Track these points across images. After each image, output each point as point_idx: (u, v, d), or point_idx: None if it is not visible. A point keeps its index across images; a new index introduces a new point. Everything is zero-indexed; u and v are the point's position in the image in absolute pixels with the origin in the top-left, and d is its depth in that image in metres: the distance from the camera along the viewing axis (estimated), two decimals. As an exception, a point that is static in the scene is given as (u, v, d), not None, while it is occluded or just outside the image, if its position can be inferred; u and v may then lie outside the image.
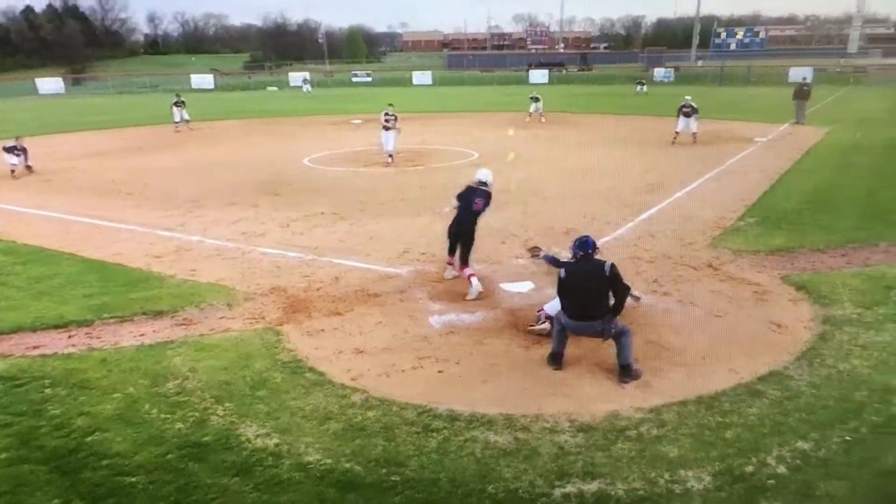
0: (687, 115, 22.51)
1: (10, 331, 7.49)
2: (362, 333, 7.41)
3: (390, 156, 19.43)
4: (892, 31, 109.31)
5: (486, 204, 8.89)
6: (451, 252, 9.06)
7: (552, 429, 5.40)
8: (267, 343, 7.13)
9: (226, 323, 7.73)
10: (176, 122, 30.21)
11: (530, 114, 30.99)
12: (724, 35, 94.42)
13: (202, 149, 24.06)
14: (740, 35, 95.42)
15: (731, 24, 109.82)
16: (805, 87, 28.12)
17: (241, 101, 49.09)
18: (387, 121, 19.16)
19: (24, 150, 18.80)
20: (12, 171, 18.33)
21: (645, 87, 49.72)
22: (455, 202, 8.96)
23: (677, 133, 22.62)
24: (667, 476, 4.76)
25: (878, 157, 18.61)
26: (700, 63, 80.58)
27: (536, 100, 31.17)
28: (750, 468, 4.83)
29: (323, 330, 7.51)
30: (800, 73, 54.73)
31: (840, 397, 5.83)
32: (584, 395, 5.98)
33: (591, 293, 6.29)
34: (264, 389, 6.10)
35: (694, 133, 22.59)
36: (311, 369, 6.51)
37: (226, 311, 8.09)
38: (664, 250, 10.40)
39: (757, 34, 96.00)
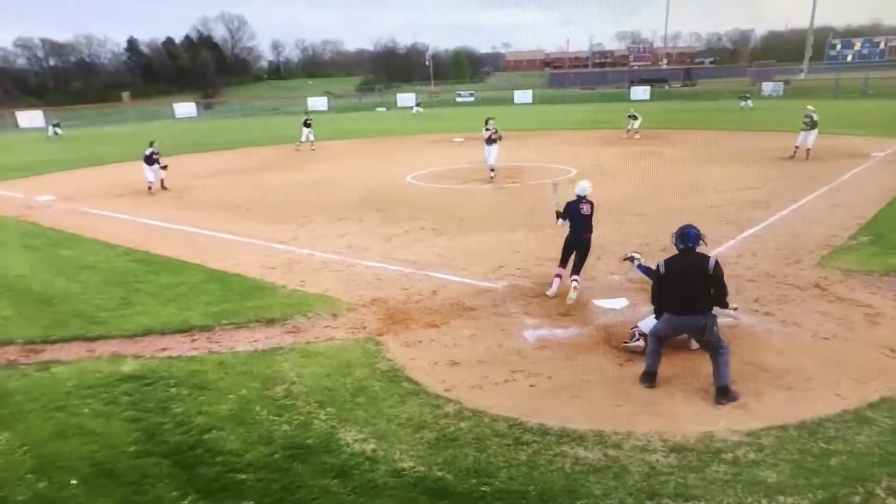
0: (806, 127, 21.07)
1: (143, 333, 8.13)
2: (457, 346, 7.49)
3: (492, 170, 19.54)
4: None
5: (592, 210, 9.14)
6: (563, 264, 9.19)
7: (643, 447, 5.23)
8: (367, 352, 7.34)
9: (330, 332, 8.03)
10: (301, 142, 31.68)
11: (627, 130, 30.28)
12: (839, 46, 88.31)
13: (315, 167, 25.18)
14: (858, 46, 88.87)
15: (850, 34, 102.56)
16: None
17: (351, 122, 51.03)
18: (490, 134, 19.29)
19: (158, 160, 19.72)
20: (149, 188, 19.85)
21: (750, 102, 46.60)
22: (560, 221, 9.17)
23: (797, 147, 21.32)
24: (764, 502, 4.49)
25: None
26: (802, 76, 75.61)
27: (634, 118, 30.42)
28: (856, 498, 4.48)
29: (420, 341, 7.65)
30: (924, 83, 50.25)
31: (959, 429, 5.29)
32: (678, 415, 5.76)
33: (693, 287, 6.04)
34: (363, 396, 6.29)
35: (808, 149, 21.13)
36: (408, 379, 6.65)
37: (330, 321, 8.41)
38: (767, 269, 9.83)
39: (877, 44, 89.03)
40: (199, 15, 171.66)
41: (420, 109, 60.27)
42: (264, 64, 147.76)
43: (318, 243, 12.69)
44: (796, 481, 4.71)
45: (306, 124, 31.99)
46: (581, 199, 9.10)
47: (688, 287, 6.08)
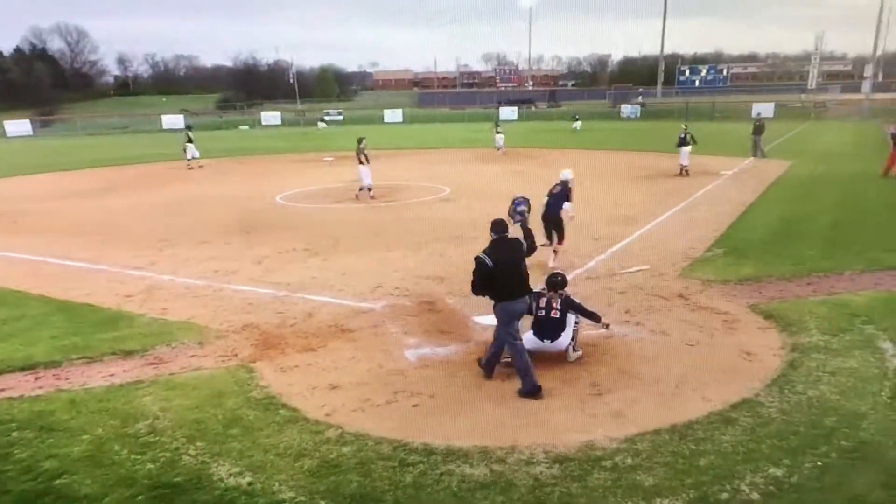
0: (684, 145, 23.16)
1: (-24, 374, 7.31)
2: (336, 369, 7.38)
3: (370, 188, 19.52)
4: (849, 67, 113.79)
5: (563, 190, 11.59)
6: (549, 237, 11.51)
7: (528, 460, 5.41)
8: (239, 380, 7.05)
9: (197, 361, 7.64)
10: (188, 159, 30.43)
11: (498, 147, 31.82)
12: (688, 73, 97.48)
13: (174, 187, 23.95)
14: (704, 73, 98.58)
15: (696, 62, 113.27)
16: (758, 123, 28.95)
17: (212, 141, 49.01)
18: (361, 154, 19.30)
19: None
20: None
21: (579, 124, 49.49)
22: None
23: (682, 166, 23.26)
24: (642, 504, 4.79)
25: (839, 189, 19.22)
26: (656, 99, 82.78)
27: (498, 132, 32.52)
28: (724, 495, 4.88)
29: (296, 366, 7.47)
30: (762, 108, 56.56)
31: (810, 423, 5.93)
32: (559, 426, 6.01)
33: (518, 271, 6.82)
34: (237, 427, 6.03)
35: (681, 165, 23.22)
36: (285, 406, 6.46)
37: (197, 350, 8.00)
38: (635, 281, 10.57)
39: (720, 71, 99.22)
40: (29, 24, 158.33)
41: (324, 125, 58.29)
42: (110, 79, 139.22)
43: (180, 268, 12.04)
44: (671, 483, 5.06)
45: (189, 139, 30.77)
46: (562, 182, 11.76)
47: (513, 272, 6.75)
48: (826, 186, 19.89)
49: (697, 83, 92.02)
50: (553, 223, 11.60)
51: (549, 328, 7.36)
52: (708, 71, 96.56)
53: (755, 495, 4.87)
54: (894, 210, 15.85)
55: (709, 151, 30.55)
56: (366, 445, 5.68)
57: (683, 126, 24.77)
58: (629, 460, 5.39)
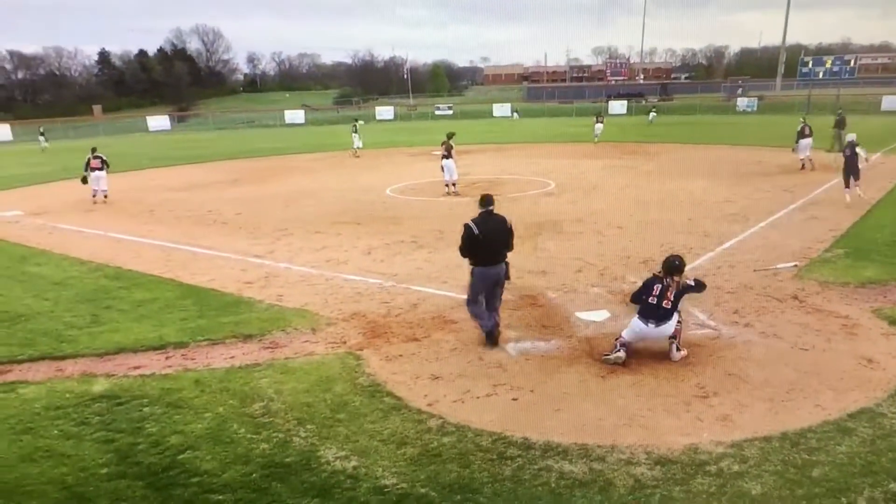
0: (807, 137, 21.89)
1: (115, 351, 7.94)
2: (439, 359, 7.45)
3: (454, 184, 19.58)
4: None
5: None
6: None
7: (628, 460, 5.23)
8: (347, 367, 7.27)
9: (309, 347, 7.94)
10: (354, 148, 33.03)
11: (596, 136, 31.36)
12: (811, 64, 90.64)
13: (292, 179, 25.03)
14: (829, 63, 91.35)
15: (820, 52, 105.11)
16: (839, 117, 26.76)
17: (329, 135, 50.90)
18: (447, 150, 19.37)
19: (104, 163, 20.23)
20: (94, 196, 20.07)
21: (653, 115, 48.53)
22: None
23: (802, 160, 22.11)
24: (749, 515, 4.51)
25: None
26: (775, 91, 77.47)
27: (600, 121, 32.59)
28: (839, 510, 4.52)
29: (401, 355, 7.60)
30: (893, 100, 51.77)
31: (938, 438, 5.38)
32: (661, 427, 5.77)
33: (499, 242, 7.74)
34: (344, 412, 6.21)
35: (801, 159, 22.04)
36: (389, 394, 6.59)
37: (309, 336, 8.32)
38: (746, 281, 9.96)
39: (848, 62, 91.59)
40: (172, 27, 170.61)
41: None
42: (240, 77, 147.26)
43: (295, 257, 12.59)
44: (780, 493, 4.74)
45: (355, 130, 33.57)
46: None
47: (496, 242, 7.66)
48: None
49: (821, 75, 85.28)
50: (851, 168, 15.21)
51: (657, 316, 7.06)
52: (833, 62, 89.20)
53: (874, 512, 4.48)
54: None
55: (832, 147, 28.37)
56: (466, 436, 5.69)
57: (802, 119, 23.09)
58: (735, 467, 5.09)
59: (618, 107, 65.90)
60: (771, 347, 7.47)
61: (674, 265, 7.17)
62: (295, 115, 72.45)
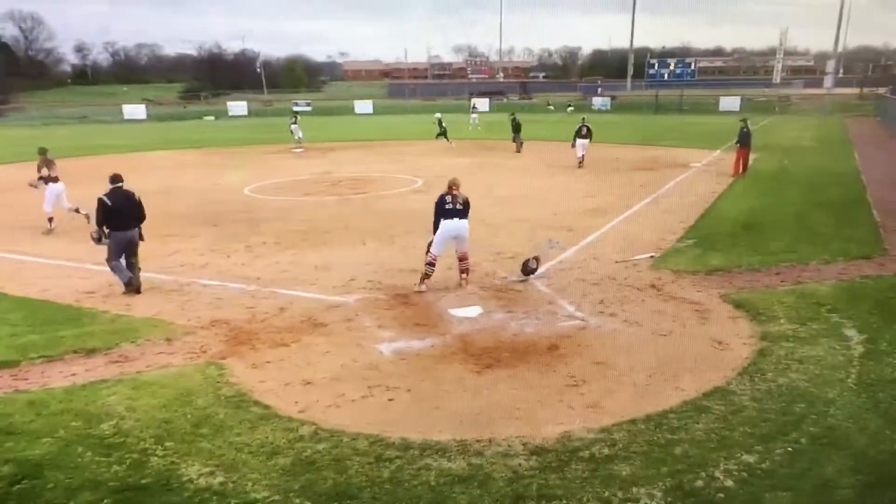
0: (583, 137, 23.56)
1: (-73, 374, 7.03)
2: (310, 364, 7.30)
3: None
4: (811, 63, 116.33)
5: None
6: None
7: (506, 453, 5.41)
8: (209, 378, 6.92)
9: (164, 358, 7.47)
10: (298, 140, 33.09)
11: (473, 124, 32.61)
12: (657, 66, 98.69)
13: (137, 179, 23.21)
14: (672, 66, 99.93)
15: (664, 55, 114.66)
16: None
17: (175, 131, 48.17)
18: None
19: None
20: None
21: (476, 118, 49.29)
22: None
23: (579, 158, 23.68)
24: (620, 495, 4.82)
25: (804, 182, 19.66)
26: (626, 92, 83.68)
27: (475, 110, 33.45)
28: (699, 483, 4.95)
29: (268, 362, 7.36)
30: (729, 102, 57.68)
31: (781, 410, 6.05)
32: (537, 418, 6.03)
33: (130, 211, 9.94)
34: (207, 426, 5.91)
35: (580, 158, 23.61)
36: (257, 403, 6.35)
37: (164, 346, 7.83)
38: (609, 272, 10.66)
39: (689, 65, 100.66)
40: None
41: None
42: (67, 68, 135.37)
43: (145, 262, 11.72)
44: (647, 472, 5.11)
45: (295, 122, 33.96)
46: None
47: (127, 211, 9.80)
48: (790, 178, 20.37)
49: (666, 76, 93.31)
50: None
51: (459, 214, 9.93)
52: (676, 64, 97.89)
53: (729, 482, 4.95)
54: (855, 202, 16.23)
55: (678, 143, 31.10)
56: (341, 441, 5.61)
57: (583, 118, 25.43)
58: (606, 450, 5.43)
59: (481, 104, 67.85)
60: (634, 335, 8.06)
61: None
62: (135, 111, 67.68)
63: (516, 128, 30.38)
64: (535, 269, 10.30)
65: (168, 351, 7.69)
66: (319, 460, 5.34)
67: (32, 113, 73.01)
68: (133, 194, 10.07)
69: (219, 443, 5.61)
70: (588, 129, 23.91)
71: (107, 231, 9.90)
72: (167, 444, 5.60)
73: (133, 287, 9.86)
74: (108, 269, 9.98)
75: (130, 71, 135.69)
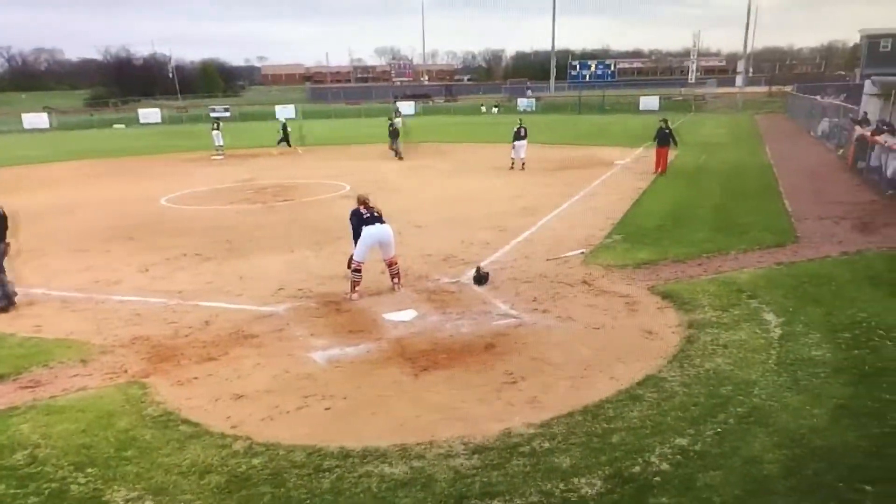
0: (522, 139, 23.67)
1: None
2: (240, 377, 7.12)
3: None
4: (723, 63, 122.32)
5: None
6: None
7: (447, 454, 5.44)
8: (131, 398, 6.65)
9: (81, 381, 7.13)
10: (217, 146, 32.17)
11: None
12: (578, 67, 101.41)
13: (42, 192, 22.17)
14: (593, 67, 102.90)
15: (585, 57, 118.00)
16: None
17: (83, 140, 46.01)
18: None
19: None
20: None
21: (496, 110, 52.47)
22: None
23: (513, 160, 23.85)
24: (561, 486, 4.93)
25: (721, 176, 20.65)
26: (550, 93, 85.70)
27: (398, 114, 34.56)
28: (637, 468, 5.12)
29: (196, 378, 7.14)
30: (648, 101, 59.89)
31: (709, 394, 6.35)
32: (477, 417, 6.09)
33: None
34: (132, 448, 5.68)
35: (523, 160, 23.75)
36: (185, 421, 6.15)
37: (80, 368, 7.47)
38: (541, 270, 10.88)
39: (609, 66, 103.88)
40: None
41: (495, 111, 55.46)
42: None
43: (53, 280, 11.21)
44: (586, 462, 5.26)
45: (217, 128, 32.97)
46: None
47: None
48: (708, 173, 21.35)
49: (588, 77, 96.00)
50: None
51: (379, 220, 9.84)
52: (597, 66, 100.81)
53: (665, 465, 5.15)
54: (769, 194, 17.17)
55: (602, 142, 32.06)
56: (277, 455, 5.51)
57: (520, 120, 25.53)
58: (546, 444, 5.54)
59: (406, 107, 67.87)
60: (568, 330, 8.25)
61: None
62: (37, 119, 64.09)
63: (394, 133, 29.35)
64: (485, 277, 10.26)
65: (84, 373, 7.34)
66: (255, 476, 5.22)
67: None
68: None
69: (146, 465, 5.41)
70: (525, 131, 24.06)
71: None
72: (88, 470, 5.35)
73: (10, 302, 9.80)
74: None
75: (29, 77, 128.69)
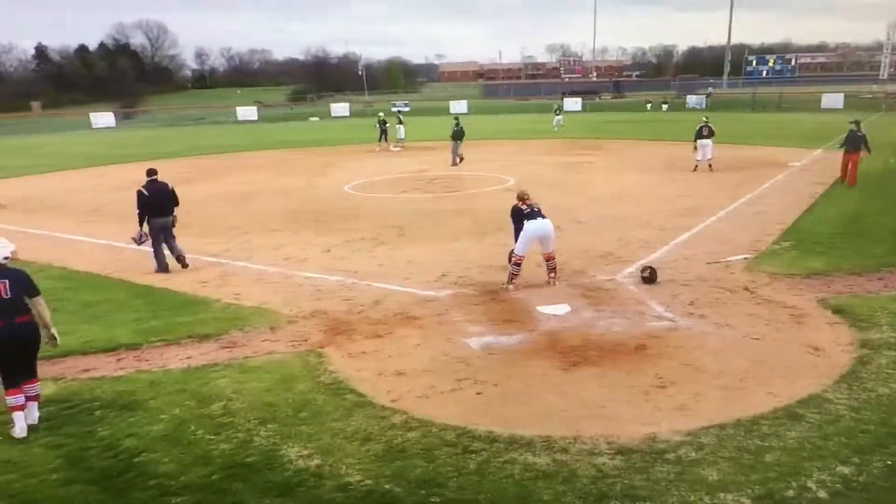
0: (705, 138, 20.96)
1: (62, 354, 7.54)
2: (402, 355, 7.43)
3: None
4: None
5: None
6: None
7: (591, 451, 5.31)
8: (309, 365, 7.19)
9: (269, 345, 7.83)
10: (399, 139, 33.54)
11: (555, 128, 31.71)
12: (755, 63, 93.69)
13: (246, 178, 24.53)
14: (771, 62, 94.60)
15: (763, 52, 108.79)
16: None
17: (283, 132, 50.14)
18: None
19: None
20: None
21: (561, 119, 43.14)
22: None
23: (698, 161, 21.39)
24: (706, 499, 4.62)
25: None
26: (722, 89, 79.74)
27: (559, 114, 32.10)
28: (790, 492, 4.67)
29: (364, 352, 7.56)
30: (831, 99, 53.80)
31: (881, 422, 5.62)
32: (623, 418, 5.88)
33: (167, 202, 11.25)
34: (306, 411, 6.14)
35: (710, 160, 21.17)
36: (353, 391, 6.54)
37: (269, 334, 8.20)
38: (700, 273, 10.23)
39: (788, 61, 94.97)
40: (113, 22, 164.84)
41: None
42: (188, 73, 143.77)
43: (252, 255, 12.38)
44: (735, 478, 4.87)
45: (399, 121, 34.43)
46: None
47: (161, 199, 11.08)
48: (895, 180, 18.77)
49: (765, 73, 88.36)
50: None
51: (540, 215, 9.72)
52: (776, 61, 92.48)
53: (822, 493, 4.65)
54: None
55: (777, 143, 29.36)
56: (430, 431, 5.69)
57: (704, 119, 22.10)
58: (693, 454, 5.22)
59: (572, 104, 66.51)
60: (724, 337, 7.69)
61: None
62: (248, 112, 70.95)
63: (457, 135, 26.07)
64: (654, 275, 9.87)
65: (272, 339, 8.04)
66: (409, 448, 5.43)
67: (157, 116, 77.97)
68: (167, 185, 11.30)
69: (317, 427, 5.82)
70: (710, 130, 21.23)
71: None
72: (269, 425, 5.87)
73: (165, 270, 11.24)
74: (151, 252, 11.36)
75: (244, 75, 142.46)
